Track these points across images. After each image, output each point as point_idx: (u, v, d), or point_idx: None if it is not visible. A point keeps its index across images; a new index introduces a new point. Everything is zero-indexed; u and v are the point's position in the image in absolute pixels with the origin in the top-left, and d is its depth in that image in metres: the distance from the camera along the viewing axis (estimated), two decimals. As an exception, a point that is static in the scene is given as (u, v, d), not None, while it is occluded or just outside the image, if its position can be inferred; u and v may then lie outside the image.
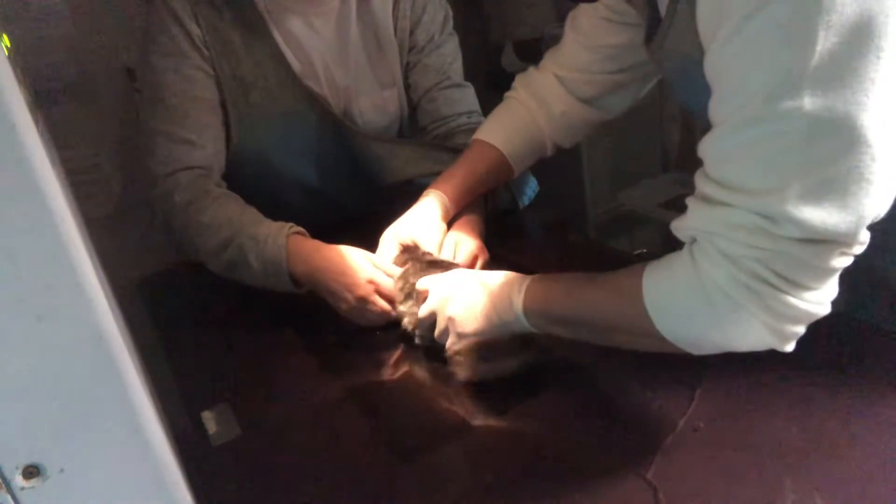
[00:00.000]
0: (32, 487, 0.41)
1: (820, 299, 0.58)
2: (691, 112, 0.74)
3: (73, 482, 0.42)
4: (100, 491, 0.43)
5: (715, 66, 0.58)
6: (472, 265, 0.99)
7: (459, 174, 1.05)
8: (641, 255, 1.15)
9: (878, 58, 0.50)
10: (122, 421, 0.42)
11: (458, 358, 0.80)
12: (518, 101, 1.05)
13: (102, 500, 0.43)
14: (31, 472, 0.41)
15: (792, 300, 0.57)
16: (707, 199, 0.60)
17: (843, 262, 0.57)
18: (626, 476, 0.65)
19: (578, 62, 0.98)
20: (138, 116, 1.13)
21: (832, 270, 0.57)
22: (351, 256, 0.95)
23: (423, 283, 0.85)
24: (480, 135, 1.06)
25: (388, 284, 0.93)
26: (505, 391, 0.79)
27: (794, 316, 0.58)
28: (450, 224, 1.05)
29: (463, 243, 1.01)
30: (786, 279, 0.56)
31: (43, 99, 1.37)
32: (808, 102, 0.51)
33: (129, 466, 0.44)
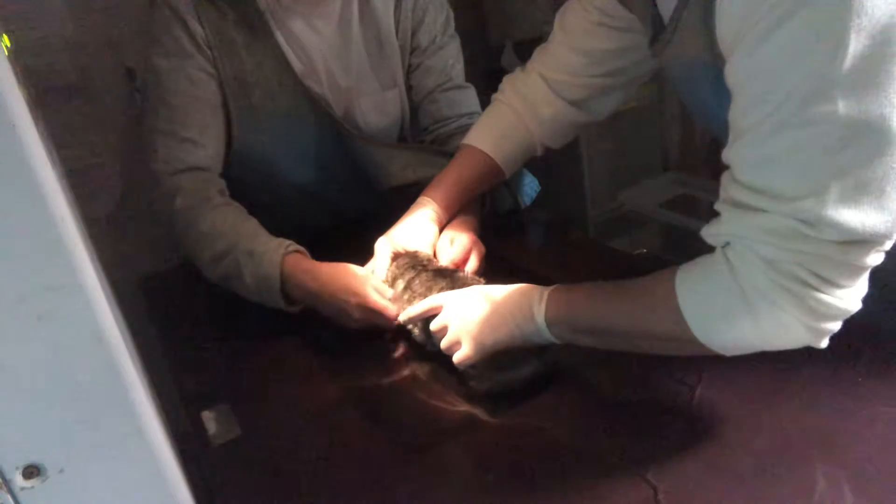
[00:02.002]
0: (32, 487, 0.41)
1: (855, 296, 0.59)
2: (693, 114, 0.74)
3: (73, 482, 0.42)
4: (100, 491, 0.43)
5: (741, 72, 0.58)
6: (466, 258, 0.98)
7: (449, 180, 1.05)
8: (641, 255, 1.15)
9: None
10: (122, 421, 0.42)
11: (472, 370, 0.80)
12: (505, 103, 1.05)
13: (102, 500, 0.43)
14: (31, 472, 0.41)
15: (829, 299, 0.58)
16: (740, 205, 0.60)
17: (876, 259, 0.58)
18: (626, 476, 0.65)
19: (566, 65, 0.98)
20: (139, 116, 1.13)
21: (866, 268, 0.58)
22: (344, 274, 0.94)
23: (436, 300, 0.85)
24: (469, 140, 1.06)
25: (385, 307, 0.91)
26: (504, 391, 0.79)
27: (832, 314, 0.59)
28: (444, 228, 1.05)
29: (458, 239, 1.01)
30: (823, 279, 0.57)
31: (43, 99, 1.37)
32: (842, 106, 0.52)
33: (129, 466, 0.44)
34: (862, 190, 0.54)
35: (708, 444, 0.67)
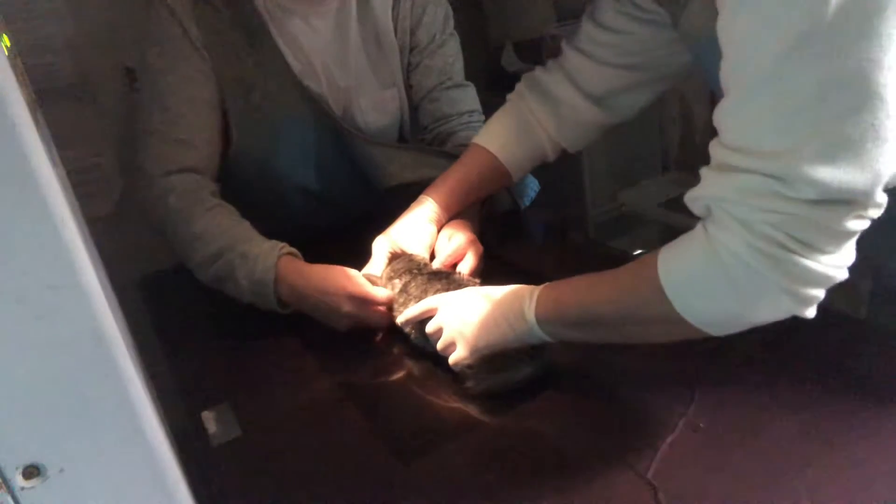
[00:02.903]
0: (32, 487, 0.41)
1: (837, 263, 0.57)
2: (715, 92, 0.73)
3: (73, 482, 0.42)
4: (100, 491, 0.43)
5: (726, 29, 0.58)
6: (462, 256, 0.98)
7: (452, 180, 1.04)
8: (641, 255, 1.15)
9: None
10: (122, 421, 0.42)
11: (468, 371, 0.80)
12: (520, 104, 1.04)
13: (102, 500, 0.43)
14: (31, 472, 0.41)
15: (809, 264, 0.56)
16: (720, 167, 0.59)
17: (859, 224, 0.56)
18: (626, 476, 0.65)
19: (592, 55, 0.97)
20: (135, 116, 1.13)
21: (848, 233, 0.57)
22: (335, 273, 0.95)
23: (431, 302, 0.85)
24: (478, 139, 1.05)
25: (376, 293, 0.92)
26: (502, 393, 0.79)
27: (813, 280, 0.57)
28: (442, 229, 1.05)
29: (455, 237, 1.01)
30: (802, 243, 0.56)
31: (43, 99, 1.37)
32: (823, 60, 0.51)
33: (129, 466, 0.44)
34: (840, 146, 0.53)
35: (708, 444, 0.67)
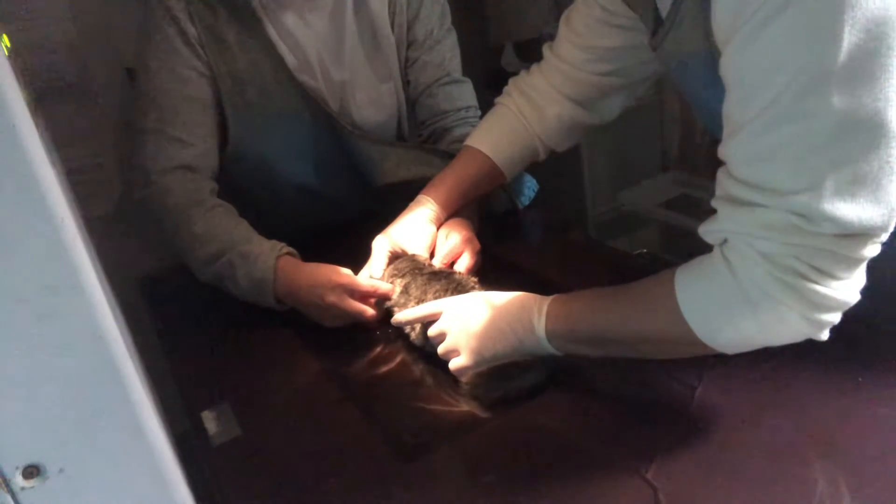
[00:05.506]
0: (32, 487, 0.41)
1: (852, 287, 0.59)
2: (693, 109, 0.74)
3: (73, 482, 0.42)
4: (100, 491, 0.43)
5: (735, 66, 0.58)
6: (459, 254, 0.99)
7: (449, 180, 1.05)
8: (641, 255, 1.15)
9: None
10: (121, 421, 0.42)
11: (477, 380, 0.79)
12: (508, 106, 1.05)
13: (102, 500, 0.43)
14: (31, 472, 0.41)
15: (827, 291, 0.58)
16: (736, 201, 0.60)
17: (873, 251, 0.58)
18: (626, 476, 0.65)
19: (571, 62, 0.98)
20: (132, 114, 1.13)
21: (863, 260, 0.58)
22: (320, 268, 0.96)
23: (434, 307, 0.85)
24: (470, 141, 1.06)
25: (360, 282, 0.93)
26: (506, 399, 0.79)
27: (830, 305, 0.59)
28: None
29: (451, 235, 1.01)
30: (821, 271, 0.57)
31: (43, 99, 1.37)
32: (837, 99, 0.52)
33: (129, 466, 0.44)
34: (857, 183, 0.54)
35: (708, 444, 0.67)
